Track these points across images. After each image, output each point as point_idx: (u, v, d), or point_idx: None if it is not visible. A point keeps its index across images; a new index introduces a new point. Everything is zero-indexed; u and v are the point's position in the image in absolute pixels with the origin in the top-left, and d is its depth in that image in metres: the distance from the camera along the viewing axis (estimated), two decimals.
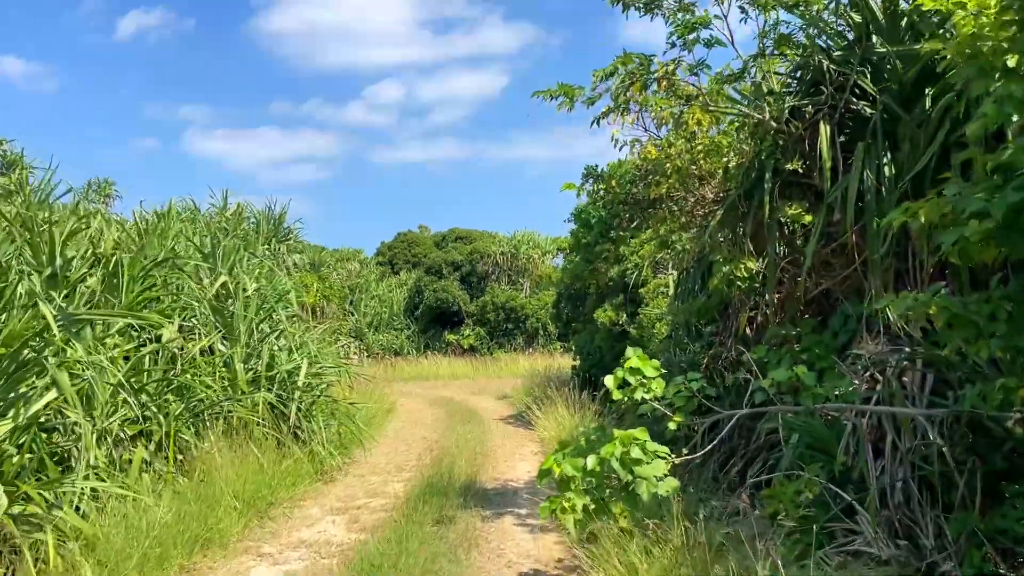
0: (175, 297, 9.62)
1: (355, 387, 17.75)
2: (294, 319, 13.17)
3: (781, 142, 6.74)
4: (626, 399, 5.51)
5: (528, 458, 11.86)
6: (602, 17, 69.10)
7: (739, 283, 7.11)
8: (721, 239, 7.12)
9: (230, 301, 10.62)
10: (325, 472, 10.06)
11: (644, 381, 5.53)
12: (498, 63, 68.56)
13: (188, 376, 8.63)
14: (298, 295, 16.88)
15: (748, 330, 8.70)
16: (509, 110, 68.25)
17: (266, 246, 17.70)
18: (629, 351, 5.64)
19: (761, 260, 7.22)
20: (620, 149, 7.38)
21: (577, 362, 18.44)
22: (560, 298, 17.95)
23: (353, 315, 31.46)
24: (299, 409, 10.22)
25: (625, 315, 13.07)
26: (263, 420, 9.64)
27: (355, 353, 30.53)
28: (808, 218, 6.83)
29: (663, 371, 8.85)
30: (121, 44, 62.04)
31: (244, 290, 11.13)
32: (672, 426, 5.57)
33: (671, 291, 11.34)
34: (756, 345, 8.61)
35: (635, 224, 7.45)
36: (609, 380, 5.59)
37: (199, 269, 11.53)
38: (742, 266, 7.10)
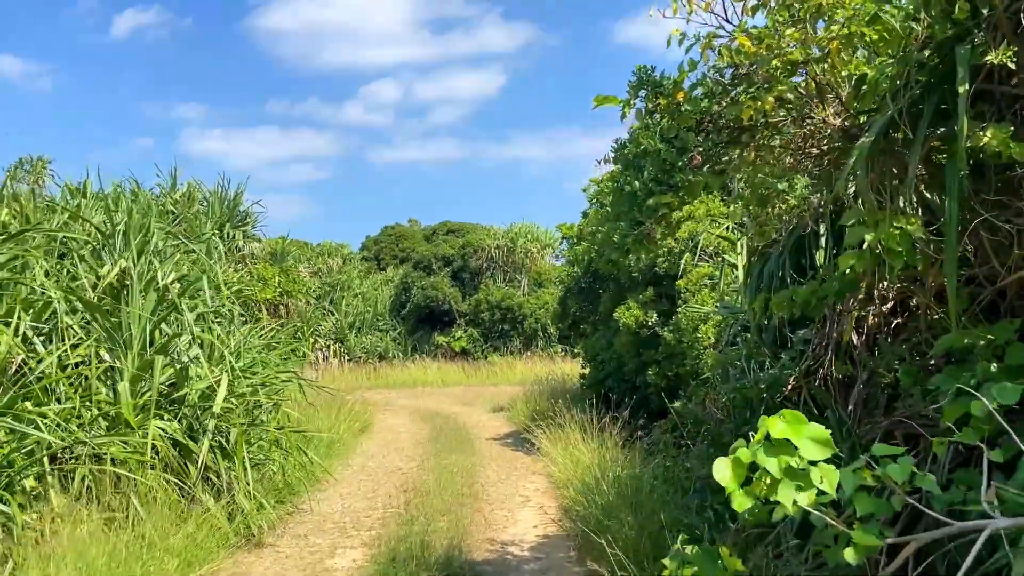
0: (30, 288, 6.75)
1: (324, 401, 14.95)
2: (231, 319, 10.34)
3: (986, 12, 3.91)
4: (756, 505, 2.63)
5: (533, 502, 9.04)
6: (600, 17, 66.59)
7: (891, 258, 4.27)
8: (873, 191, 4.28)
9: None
10: (252, 533, 7.19)
11: (793, 467, 2.64)
12: (497, 62, 66.61)
13: (28, 405, 5.77)
14: (251, 289, 14.04)
15: (855, 338, 5.93)
16: (508, 109, 66.32)
17: (217, 231, 14.83)
18: (765, 419, 2.75)
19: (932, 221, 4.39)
20: (687, 50, 4.53)
21: (587, 371, 15.60)
22: (567, 293, 15.10)
23: (333, 315, 28.58)
24: (217, 444, 7.36)
25: (656, 315, 10.24)
26: (161, 462, 6.80)
27: (334, 356, 27.68)
28: (1017, 149, 4.00)
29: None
30: (118, 43, 59.90)
31: (156, 281, 8.29)
32: (851, 556, 2.70)
33: (728, 279, 8.50)
34: (871, 357, 5.86)
35: (710, 164, 4.60)
36: (722, 470, 2.71)
37: (101, 255, 8.72)
38: (896, 231, 4.25)
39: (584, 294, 14.01)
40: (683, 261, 9.93)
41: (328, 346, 27.85)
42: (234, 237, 15.14)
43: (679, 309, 9.50)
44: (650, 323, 10.21)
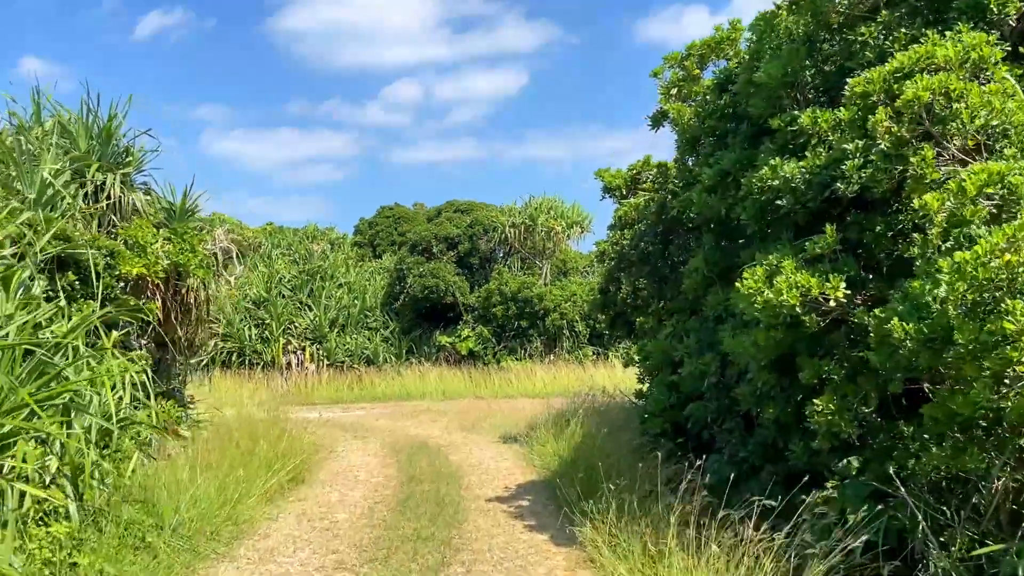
0: None
1: (248, 435, 9.76)
2: None
3: None
4: None
5: None
6: (621, 16, 62.66)
7: None
8: None
9: None
10: None
11: None
12: (518, 62, 63.20)
13: None
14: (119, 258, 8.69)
15: None
16: (528, 109, 62.74)
17: (66, 168, 9.48)
18: None
19: None
20: None
21: (646, 388, 10.10)
22: (618, 265, 9.53)
23: (311, 310, 23.22)
24: None
25: (843, 283, 4.70)
26: None
27: (311, 361, 22.33)
28: None
29: None
30: (140, 44, 57.53)
31: None
32: None
33: None
34: None
35: None
36: None
37: None
38: None
39: (648, 263, 8.48)
40: (916, 166, 4.39)
41: (303, 348, 22.51)
42: (103, 183, 9.86)
43: (927, 267, 3.95)
44: (833, 300, 4.65)
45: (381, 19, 62.31)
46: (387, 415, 17.14)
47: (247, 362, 21.97)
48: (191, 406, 12.66)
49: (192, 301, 10.88)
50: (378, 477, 10.10)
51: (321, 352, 22.58)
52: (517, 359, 22.29)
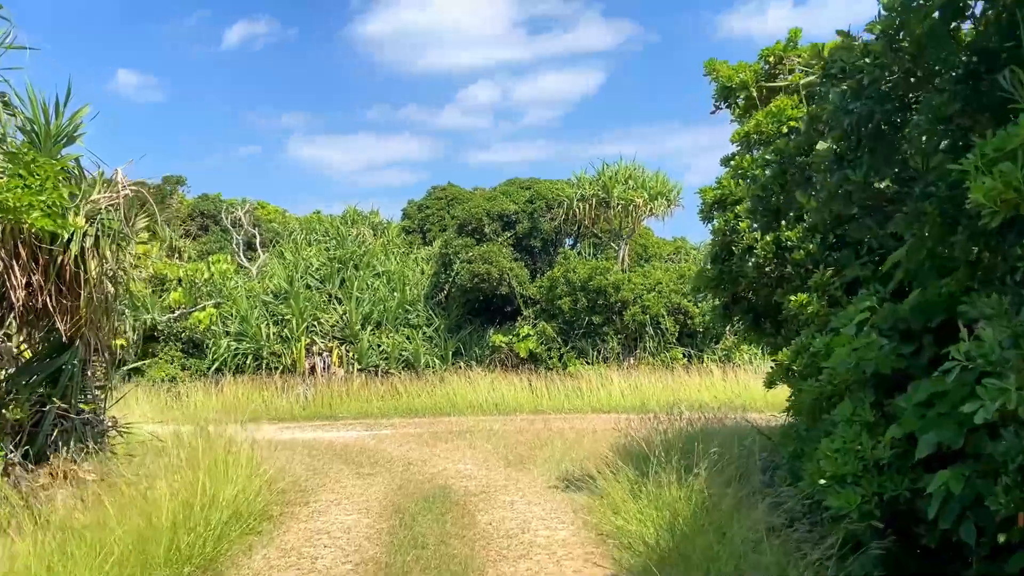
0: None
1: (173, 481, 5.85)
2: None
3: None
4: None
5: None
6: (701, 11, 58.79)
7: None
8: None
9: None
10: None
11: None
12: (595, 61, 60.68)
13: None
14: None
15: None
16: (606, 108, 60.14)
17: None
18: None
19: None
20: None
21: (802, 419, 5.73)
22: (784, 172, 5.15)
23: (340, 304, 19.50)
24: None
25: None
26: None
27: (338, 365, 18.58)
28: None
29: None
30: (227, 54, 58.50)
31: None
32: None
33: None
34: None
35: None
36: None
37: None
38: None
39: (880, 141, 4.06)
40: None
41: (330, 350, 18.79)
42: None
43: None
44: None
45: (457, 22, 60.22)
46: (417, 437, 13.15)
47: (265, 366, 18.41)
48: (119, 431, 9.01)
49: (80, 277, 7.09)
50: (349, 562, 6.08)
51: (351, 354, 18.81)
52: (588, 363, 18.03)
